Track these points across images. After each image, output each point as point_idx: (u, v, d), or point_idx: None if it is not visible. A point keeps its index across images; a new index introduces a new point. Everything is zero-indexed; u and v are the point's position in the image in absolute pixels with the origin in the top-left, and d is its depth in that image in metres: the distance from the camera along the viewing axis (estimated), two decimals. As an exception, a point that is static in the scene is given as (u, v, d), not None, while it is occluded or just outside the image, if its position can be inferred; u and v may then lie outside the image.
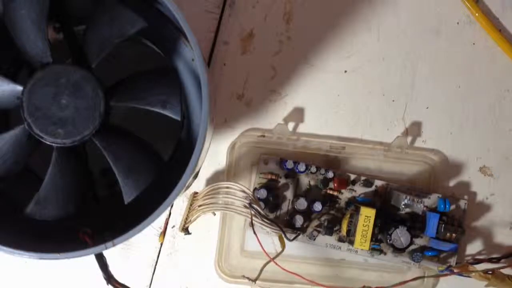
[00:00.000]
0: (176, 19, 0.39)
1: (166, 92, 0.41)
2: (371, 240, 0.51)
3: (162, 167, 0.42)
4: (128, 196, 0.40)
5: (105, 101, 0.39)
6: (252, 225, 0.47)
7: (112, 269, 0.41)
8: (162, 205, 0.39)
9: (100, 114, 0.39)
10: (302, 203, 0.52)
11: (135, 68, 0.43)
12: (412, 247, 0.52)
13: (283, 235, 0.49)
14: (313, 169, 0.52)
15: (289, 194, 0.53)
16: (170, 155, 0.47)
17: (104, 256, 0.40)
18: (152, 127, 0.43)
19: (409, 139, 0.54)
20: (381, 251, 0.53)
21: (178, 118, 0.41)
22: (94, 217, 0.44)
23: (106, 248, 0.39)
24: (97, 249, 0.39)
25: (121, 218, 0.40)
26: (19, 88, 0.39)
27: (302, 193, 0.53)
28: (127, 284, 0.41)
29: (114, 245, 0.38)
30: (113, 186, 0.47)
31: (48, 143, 0.39)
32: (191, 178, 0.41)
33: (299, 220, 0.52)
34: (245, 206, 0.46)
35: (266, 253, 0.48)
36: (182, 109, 0.41)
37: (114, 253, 0.53)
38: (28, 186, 0.42)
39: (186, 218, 0.50)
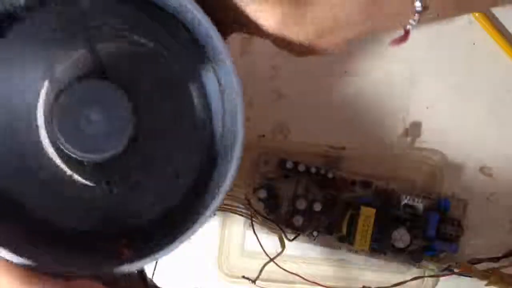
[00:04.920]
0: (210, 41, 0.37)
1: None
2: (371, 240, 0.51)
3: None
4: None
5: (135, 120, 0.39)
6: (252, 225, 0.47)
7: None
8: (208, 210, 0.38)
9: (129, 133, 0.39)
10: (302, 203, 0.52)
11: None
12: (412, 247, 0.52)
13: (283, 235, 0.49)
14: (313, 169, 0.52)
15: (289, 194, 0.53)
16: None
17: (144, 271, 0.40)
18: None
19: (409, 139, 0.54)
20: (381, 251, 0.53)
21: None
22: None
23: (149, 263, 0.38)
24: (140, 263, 0.37)
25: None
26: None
27: (302, 193, 0.53)
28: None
29: (156, 259, 0.37)
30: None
31: (79, 158, 0.39)
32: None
33: (299, 220, 0.52)
34: (245, 206, 0.46)
35: (266, 253, 0.48)
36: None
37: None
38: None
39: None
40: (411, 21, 0.38)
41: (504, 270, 0.51)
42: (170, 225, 0.40)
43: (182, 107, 0.42)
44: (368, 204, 0.51)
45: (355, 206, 0.52)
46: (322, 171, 0.52)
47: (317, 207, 0.52)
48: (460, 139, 0.55)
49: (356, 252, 0.53)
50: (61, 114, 0.38)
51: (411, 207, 0.52)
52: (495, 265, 0.51)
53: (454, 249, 0.52)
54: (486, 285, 0.51)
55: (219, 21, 0.35)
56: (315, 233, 0.52)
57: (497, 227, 0.55)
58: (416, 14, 0.37)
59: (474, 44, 0.55)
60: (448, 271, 0.51)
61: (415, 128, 0.55)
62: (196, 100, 0.42)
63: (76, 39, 0.40)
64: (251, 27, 0.36)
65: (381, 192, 0.53)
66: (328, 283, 0.51)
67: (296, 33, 0.36)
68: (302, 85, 0.54)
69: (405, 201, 0.52)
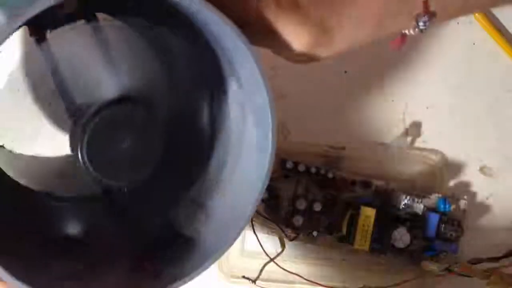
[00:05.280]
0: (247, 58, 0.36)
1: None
2: (371, 240, 0.51)
3: None
4: None
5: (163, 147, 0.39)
6: (252, 225, 0.47)
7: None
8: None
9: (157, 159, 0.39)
10: (302, 203, 0.52)
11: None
12: (412, 247, 0.52)
13: (283, 235, 0.49)
14: (313, 169, 0.52)
15: (289, 194, 0.53)
16: None
17: None
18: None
19: (409, 139, 0.54)
20: (381, 251, 0.53)
21: None
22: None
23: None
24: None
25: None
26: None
27: (302, 193, 0.53)
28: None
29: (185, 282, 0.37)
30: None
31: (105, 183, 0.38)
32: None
33: (299, 220, 0.52)
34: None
35: (266, 253, 0.48)
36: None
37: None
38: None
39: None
40: (416, 30, 0.38)
41: (504, 270, 0.51)
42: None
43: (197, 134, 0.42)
44: (368, 204, 0.52)
45: (355, 206, 0.52)
46: (322, 171, 0.52)
47: (317, 207, 0.52)
48: (460, 139, 0.55)
49: (356, 252, 0.53)
50: (90, 138, 0.37)
51: (411, 207, 0.52)
52: (495, 265, 0.51)
53: (454, 249, 0.52)
54: (487, 284, 0.51)
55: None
56: (315, 233, 0.52)
57: (497, 227, 0.55)
58: (422, 24, 0.37)
59: (474, 44, 0.55)
60: (448, 271, 0.51)
61: (415, 128, 0.55)
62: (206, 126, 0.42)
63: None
64: (274, 45, 0.36)
65: (381, 192, 0.53)
66: (328, 283, 0.51)
67: (321, 52, 0.37)
68: (302, 85, 0.54)
69: (405, 201, 0.52)
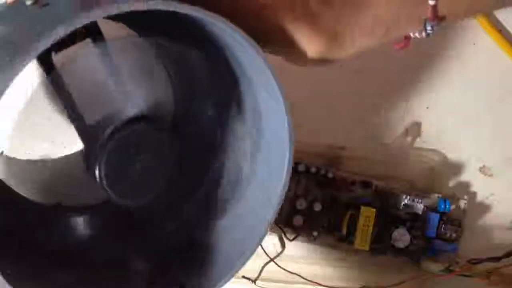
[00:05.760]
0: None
1: None
2: (371, 240, 0.51)
3: None
4: None
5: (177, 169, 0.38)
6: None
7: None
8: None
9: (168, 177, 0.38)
10: (302, 203, 0.52)
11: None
12: (412, 247, 0.52)
13: (283, 235, 0.49)
14: (313, 169, 0.52)
15: (289, 194, 0.52)
16: None
17: None
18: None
19: (409, 139, 0.54)
20: (381, 251, 0.53)
21: None
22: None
23: None
24: None
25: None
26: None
27: (302, 193, 0.53)
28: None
29: None
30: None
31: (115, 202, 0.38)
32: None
33: (299, 220, 0.52)
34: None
35: (266, 253, 0.49)
36: None
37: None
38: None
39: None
40: (423, 34, 0.38)
41: (504, 270, 0.51)
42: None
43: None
44: (368, 204, 0.52)
45: (355, 206, 0.52)
46: (322, 171, 0.52)
47: (317, 207, 0.52)
48: (460, 139, 0.55)
49: (356, 252, 0.53)
50: (108, 159, 0.37)
51: (411, 207, 0.52)
52: (495, 265, 0.51)
53: (454, 249, 0.52)
54: (486, 285, 0.51)
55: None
56: (315, 233, 0.52)
57: (497, 227, 0.55)
58: (429, 28, 0.38)
59: (474, 44, 0.55)
60: (448, 271, 0.51)
61: (415, 128, 0.55)
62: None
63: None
64: (289, 53, 0.37)
65: (381, 192, 0.53)
66: (328, 283, 0.51)
67: (332, 57, 0.37)
68: (302, 85, 0.54)
69: (405, 201, 0.52)
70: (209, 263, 0.39)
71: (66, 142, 0.46)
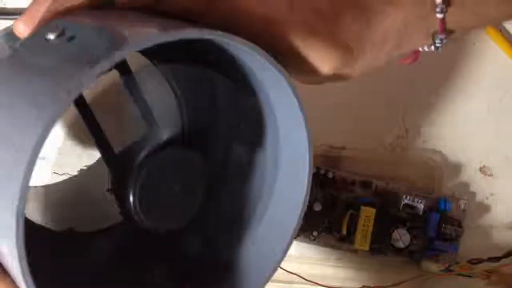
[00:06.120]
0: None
1: None
2: (371, 240, 0.51)
3: None
4: None
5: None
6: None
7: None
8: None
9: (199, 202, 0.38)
10: (302, 203, 0.52)
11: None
12: (412, 247, 0.52)
13: (283, 235, 0.49)
14: (313, 169, 0.52)
15: (289, 194, 0.53)
16: None
17: None
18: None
19: (409, 139, 0.54)
20: (381, 251, 0.53)
21: None
22: None
23: None
24: None
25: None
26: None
27: (302, 193, 0.53)
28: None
29: None
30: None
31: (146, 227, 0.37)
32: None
33: (299, 220, 0.52)
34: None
35: (266, 253, 0.48)
36: None
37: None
38: None
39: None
40: (432, 47, 0.38)
41: (504, 270, 0.51)
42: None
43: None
44: (368, 204, 0.52)
45: (355, 206, 0.52)
46: (322, 171, 0.52)
47: (317, 207, 0.52)
48: (460, 139, 0.55)
49: (356, 252, 0.53)
50: (141, 186, 0.36)
51: (411, 207, 0.52)
52: (495, 265, 0.51)
53: (454, 249, 0.52)
54: (486, 285, 0.51)
55: None
56: (315, 233, 0.52)
57: (497, 227, 0.55)
58: (438, 42, 0.38)
59: (474, 44, 0.55)
60: (448, 271, 0.51)
61: (415, 128, 0.55)
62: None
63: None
64: (303, 71, 0.36)
65: (381, 192, 0.53)
66: (328, 283, 0.51)
67: (345, 74, 0.38)
68: (302, 85, 0.54)
69: (405, 201, 0.52)
70: (231, 280, 0.38)
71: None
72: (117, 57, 0.26)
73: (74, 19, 0.31)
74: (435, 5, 0.36)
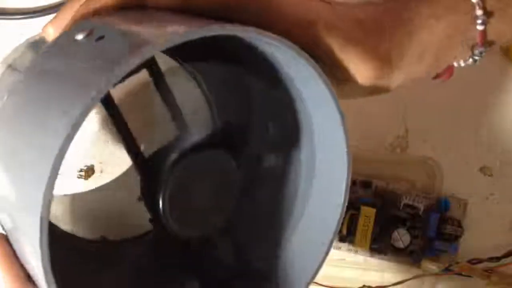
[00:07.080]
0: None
1: None
2: (371, 240, 0.51)
3: None
4: None
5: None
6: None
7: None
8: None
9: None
10: (302, 203, 0.52)
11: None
12: (412, 247, 0.52)
13: (283, 235, 0.49)
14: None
15: (289, 194, 0.53)
16: None
17: None
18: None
19: (409, 139, 0.54)
20: (381, 251, 0.53)
21: None
22: None
23: None
24: None
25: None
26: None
27: (302, 193, 0.53)
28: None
29: None
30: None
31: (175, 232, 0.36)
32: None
33: (299, 220, 0.52)
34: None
35: (266, 253, 0.48)
36: None
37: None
38: None
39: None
40: (470, 60, 0.38)
41: (504, 270, 0.51)
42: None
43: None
44: (368, 204, 0.52)
45: (355, 206, 0.52)
46: (322, 171, 0.52)
47: (317, 207, 0.52)
48: (460, 139, 0.55)
49: (356, 252, 0.53)
50: (173, 188, 0.35)
51: (411, 207, 0.52)
52: (495, 265, 0.51)
53: (454, 249, 0.52)
54: (486, 285, 0.51)
55: None
56: (315, 233, 0.52)
57: (497, 227, 0.55)
58: (477, 54, 0.37)
59: (474, 44, 0.55)
60: (448, 271, 0.51)
61: (415, 128, 0.55)
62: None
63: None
64: (337, 79, 0.35)
65: (381, 192, 0.53)
66: (328, 283, 0.51)
67: (381, 85, 0.36)
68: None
69: (405, 201, 0.52)
70: None
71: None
72: (143, 55, 0.26)
73: (102, 20, 0.31)
74: (476, 17, 0.35)
